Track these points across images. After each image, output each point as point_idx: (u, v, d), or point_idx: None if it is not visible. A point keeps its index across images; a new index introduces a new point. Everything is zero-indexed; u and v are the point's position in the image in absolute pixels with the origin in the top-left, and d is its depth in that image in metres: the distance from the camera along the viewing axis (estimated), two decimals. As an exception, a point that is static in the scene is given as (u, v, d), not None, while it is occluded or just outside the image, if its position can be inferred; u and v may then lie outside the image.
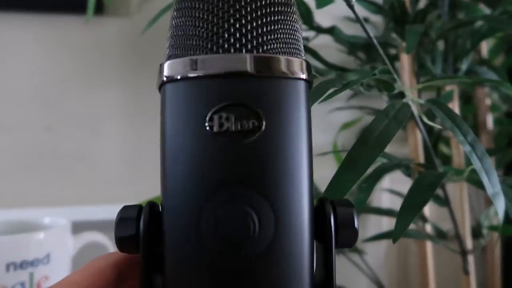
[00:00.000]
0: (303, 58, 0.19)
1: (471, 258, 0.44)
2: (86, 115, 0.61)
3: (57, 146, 0.60)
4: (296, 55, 0.19)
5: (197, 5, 0.18)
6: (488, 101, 0.57)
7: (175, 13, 0.20)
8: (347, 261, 0.56)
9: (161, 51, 0.71)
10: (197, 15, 0.18)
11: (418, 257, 0.51)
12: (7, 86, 0.60)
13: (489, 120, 0.56)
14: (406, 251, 0.66)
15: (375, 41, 0.31)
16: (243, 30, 0.17)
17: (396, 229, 0.26)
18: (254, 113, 0.16)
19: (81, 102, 0.61)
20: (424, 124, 0.34)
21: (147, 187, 0.52)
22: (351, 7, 0.30)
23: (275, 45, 0.18)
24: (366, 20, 0.58)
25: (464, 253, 0.43)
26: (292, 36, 0.19)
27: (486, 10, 0.52)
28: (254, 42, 0.17)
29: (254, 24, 0.17)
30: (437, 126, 0.28)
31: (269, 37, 0.18)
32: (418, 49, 0.47)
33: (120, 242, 0.19)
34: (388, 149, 0.28)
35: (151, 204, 0.19)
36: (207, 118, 0.17)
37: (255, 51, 0.17)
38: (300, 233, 0.17)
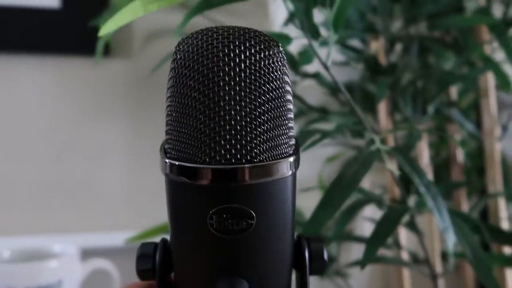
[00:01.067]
0: (292, 147, 0.21)
1: (441, 282, 0.49)
2: (92, 148, 0.66)
3: (64, 176, 0.65)
4: (286, 151, 0.20)
5: (194, 105, 0.19)
6: (457, 137, 0.63)
7: (171, 97, 0.21)
8: (333, 285, 0.60)
9: (162, 90, 0.77)
10: (194, 118, 0.19)
11: (396, 280, 0.56)
12: (20, 120, 0.65)
13: (460, 155, 0.62)
14: (387, 275, 0.71)
15: (343, 89, 0.37)
16: (240, 144, 0.19)
17: (365, 255, 0.31)
18: (247, 213, 0.19)
19: (87, 136, 0.67)
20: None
21: (148, 215, 0.57)
22: (326, 68, 0.35)
23: (268, 153, 0.20)
24: (347, 63, 0.64)
25: (434, 276, 0.47)
26: (285, 133, 0.20)
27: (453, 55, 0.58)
28: (249, 155, 0.19)
29: (251, 136, 0.19)
30: (396, 171, 0.33)
31: (263, 147, 0.19)
32: (392, 92, 0.53)
33: (141, 273, 0.23)
34: (371, 177, 0.33)
35: (164, 241, 0.24)
36: (208, 217, 0.19)
37: (249, 163, 0.19)
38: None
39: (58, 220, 0.64)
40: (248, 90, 0.19)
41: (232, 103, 0.19)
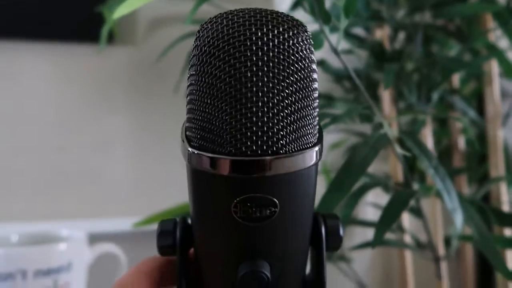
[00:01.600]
0: (316, 135, 0.21)
1: (443, 265, 0.50)
2: (97, 137, 0.67)
3: (70, 166, 0.65)
4: (311, 140, 0.20)
5: (218, 95, 0.19)
6: (459, 125, 0.64)
7: (193, 86, 0.20)
8: (336, 268, 0.61)
9: (166, 78, 0.78)
10: (219, 107, 0.19)
11: (399, 264, 0.57)
12: (24, 110, 0.65)
13: (461, 142, 0.63)
14: (389, 259, 0.72)
15: (353, 74, 0.37)
16: (266, 135, 0.19)
17: (375, 238, 0.32)
18: (271, 201, 0.19)
19: (91, 124, 0.67)
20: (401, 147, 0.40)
21: (152, 203, 0.58)
22: (336, 52, 0.36)
23: (294, 144, 0.19)
24: (351, 51, 0.65)
25: (437, 259, 0.49)
26: (311, 122, 0.20)
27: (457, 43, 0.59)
28: (275, 146, 0.19)
29: (277, 127, 0.19)
30: (407, 154, 0.34)
31: (289, 138, 0.19)
32: (396, 80, 0.53)
33: (162, 249, 0.24)
34: (372, 166, 0.34)
35: (183, 218, 0.25)
36: (232, 206, 0.20)
37: (275, 154, 0.19)
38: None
39: (64, 207, 0.64)
40: (276, 81, 0.19)
41: (260, 94, 0.18)
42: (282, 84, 0.19)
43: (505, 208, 0.50)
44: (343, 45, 0.62)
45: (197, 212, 0.22)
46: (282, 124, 0.19)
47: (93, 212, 0.65)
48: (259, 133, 0.19)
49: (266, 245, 0.21)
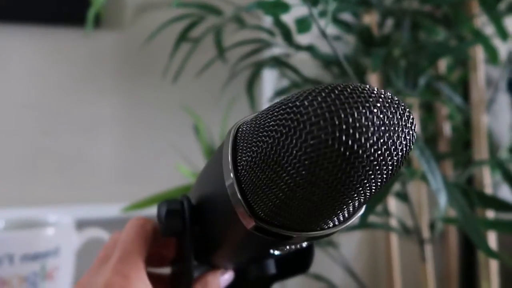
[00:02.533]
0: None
1: (428, 248, 0.51)
2: (82, 121, 0.66)
3: (55, 149, 0.65)
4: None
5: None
6: (445, 111, 0.64)
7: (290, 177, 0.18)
8: (323, 253, 0.62)
9: (154, 62, 0.78)
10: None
11: (385, 248, 0.58)
12: (8, 93, 0.64)
13: (446, 127, 0.64)
14: (375, 244, 0.73)
15: (342, 59, 0.38)
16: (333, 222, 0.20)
17: (361, 218, 0.32)
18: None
19: (77, 109, 0.66)
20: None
21: (138, 187, 0.58)
22: (324, 35, 0.36)
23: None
24: (339, 38, 0.65)
25: (421, 242, 0.50)
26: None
27: (444, 30, 0.59)
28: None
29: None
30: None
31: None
32: (384, 65, 0.54)
33: (169, 228, 0.24)
34: None
35: (187, 198, 0.25)
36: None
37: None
38: None
39: (51, 192, 0.64)
40: (373, 185, 0.18)
41: (352, 198, 0.18)
42: (374, 186, 0.18)
43: (488, 191, 0.51)
44: (331, 30, 0.62)
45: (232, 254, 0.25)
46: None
47: (80, 198, 0.64)
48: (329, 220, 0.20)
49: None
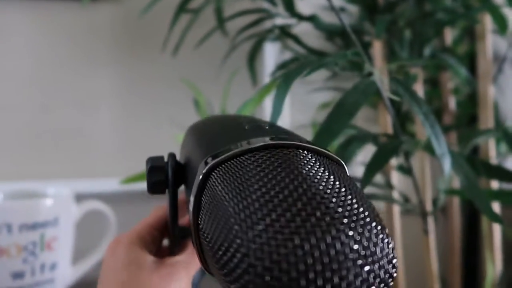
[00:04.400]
0: None
1: (430, 220, 0.50)
2: (81, 96, 0.65)
3: (53, 125, 0.64)
4: None
5: None
6: (450, 85, 0.63)
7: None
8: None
9: (151, 35, 0.76)
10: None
11: (387, 222, 0.57)
12: (6, 67, 0.63)
13: (452, 102, 0.62)
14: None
15: (348, 27, 0.37)
16: None
17: (363, 179, 0.32)
18: None
19: (76, 83, 0.65)
20: (392, 104, 0.39)
21: (137, 161, 0.57)
22: (331, 3, 0.34)
23: None
24: (343, 9, 0.63)
25: (424, 215, 0.49)
26: None
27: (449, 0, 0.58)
28: None
29: None
30: (397, 98, 0.33)
31: None
32: (389, 37, 0.52)
33: (153, 185, 0.24)
34: (362, 126, 0.34)
35: (173, 155, 0.24)
36: None
37: None
38: None
39: (49, 167, 0.63)
40: None
41: None
42: None
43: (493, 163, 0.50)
44: (335, 2, 0.61)
45: None
46: None
47: (79, 172, 0.64)
48: None
49: None
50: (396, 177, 0.58)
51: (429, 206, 0.51)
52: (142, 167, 0.52)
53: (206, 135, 0.23)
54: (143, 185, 0.40)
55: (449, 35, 0.62)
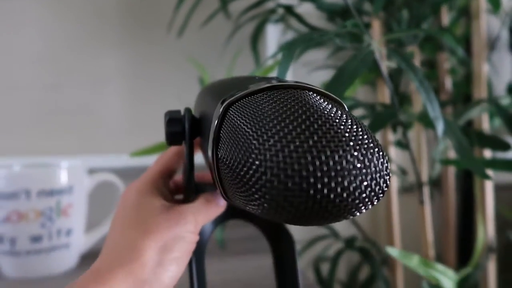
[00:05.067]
0: None
1: (426, 191, 0.53)
2: (91, 74, 0.67)
3: (64, 103, 0.66)
4: None
5: None
6: (447, 65, 0.65)
7: None
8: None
9: (158, 16, 0.78)
10: None
11: (385, 196, 0.59)
12: (15, 47, 0.65)
13: (448, 82, 0.65)
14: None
15: (354, 11, 0.39)
16: None
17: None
18: None
19: (85, 62, 0.67)
20: (391, 79, 0.41)
21: (145, 137, 0.59)
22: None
23: None
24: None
25: (420, 185, 0.51)
26: None
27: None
28: None
29: None
30: (393, 65, 0.35)
31: None
32: (387, 16, 0.54)
33: (171, 135, 0.26)
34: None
35: (189, 110, 0.27)
36: None
37: None
38: None
39: (60, 144, 0.66)
40: None
41: None
42: None
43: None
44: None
45: None
46: None
47: (89, 149, 0.66)
48: None
49: None
50: (393, 152, 0.61)
51: (425, 176, 0.53)
52: (149, 143, 0.54)
53: (218, 87, 0.26)
54: (150, 160, 0.43)
55: (446, 16, 0.64)
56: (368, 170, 0.17)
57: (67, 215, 0.47)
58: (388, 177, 0.17)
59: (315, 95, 0.20)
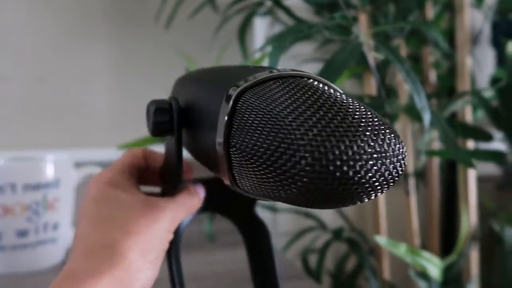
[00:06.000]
0: None
1: (411, 181, 0.54)
2: (78, 67, 0.66)
3: (51, 96, 0.65)
4: None
5: None
6: (431, 59, 0.66)
7: None
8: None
9: (145, 8, 0.78)
10: None
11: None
12: (2, 39, 0.63)
13: (432, 75, 0.66)
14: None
15: (342, 3, 0.39)
16: None
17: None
18: None
19: (72, 54, 0.66)
20: (379, 72, 0.42)
21: (132, 131, 0.59)
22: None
23: None
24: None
25: (405, 176, 0.52)
26: None
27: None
28: None
29: None
30: (379, 56, 0.36)
31: None
32: (373, 10, 0.55)
33: (157, 125, 0.25)
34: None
35: (175, 99, 0.26)
36: None
37: None
38: None
39: (47, 137, 0.65)
40: None
41: None
42: None
43: (469, 127, 0.53)
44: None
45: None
46: None
47: (76, 142, 0.65)
48: None
49: None
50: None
51: (410, 167, 0.54)
52: (136, 136, 0.54)
53: (210, 76, 0.25)
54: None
55: (431, 11, 0.65)
56: (384, 155, 0.18)
57: (54, 209, 0.47)
58: (403, 160, 0.18)
59: (321, 85, 0.20)
